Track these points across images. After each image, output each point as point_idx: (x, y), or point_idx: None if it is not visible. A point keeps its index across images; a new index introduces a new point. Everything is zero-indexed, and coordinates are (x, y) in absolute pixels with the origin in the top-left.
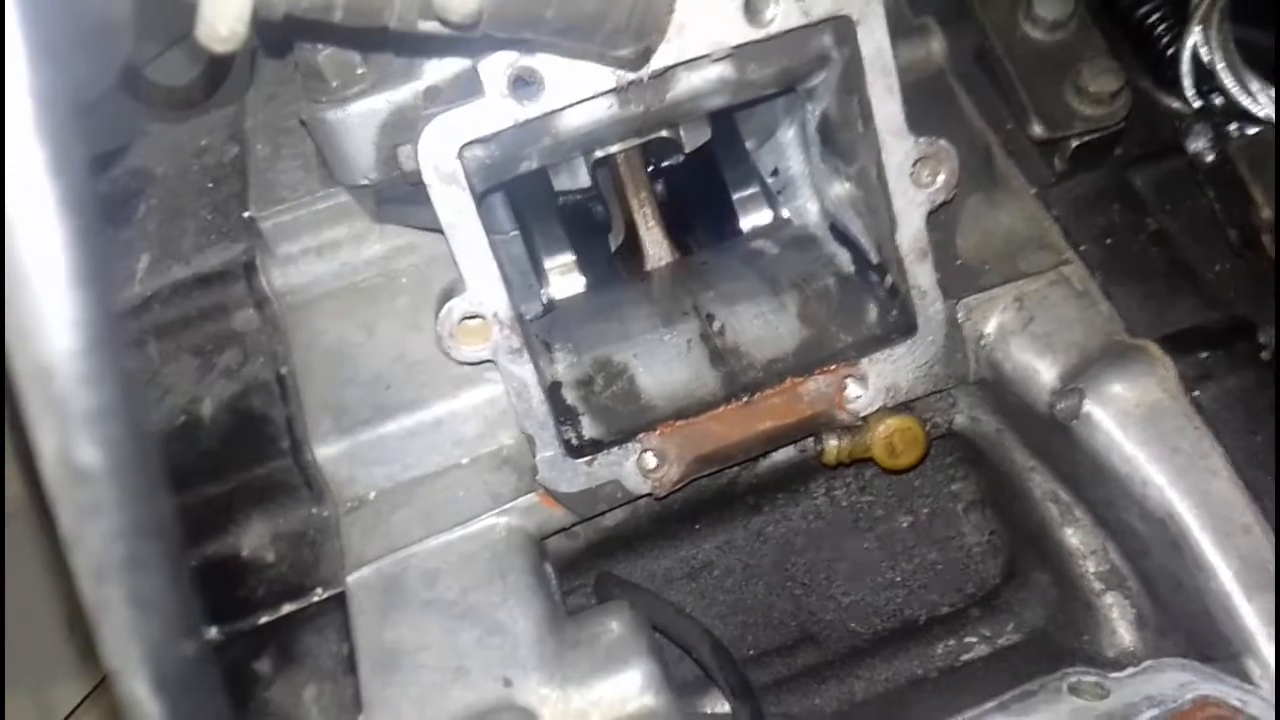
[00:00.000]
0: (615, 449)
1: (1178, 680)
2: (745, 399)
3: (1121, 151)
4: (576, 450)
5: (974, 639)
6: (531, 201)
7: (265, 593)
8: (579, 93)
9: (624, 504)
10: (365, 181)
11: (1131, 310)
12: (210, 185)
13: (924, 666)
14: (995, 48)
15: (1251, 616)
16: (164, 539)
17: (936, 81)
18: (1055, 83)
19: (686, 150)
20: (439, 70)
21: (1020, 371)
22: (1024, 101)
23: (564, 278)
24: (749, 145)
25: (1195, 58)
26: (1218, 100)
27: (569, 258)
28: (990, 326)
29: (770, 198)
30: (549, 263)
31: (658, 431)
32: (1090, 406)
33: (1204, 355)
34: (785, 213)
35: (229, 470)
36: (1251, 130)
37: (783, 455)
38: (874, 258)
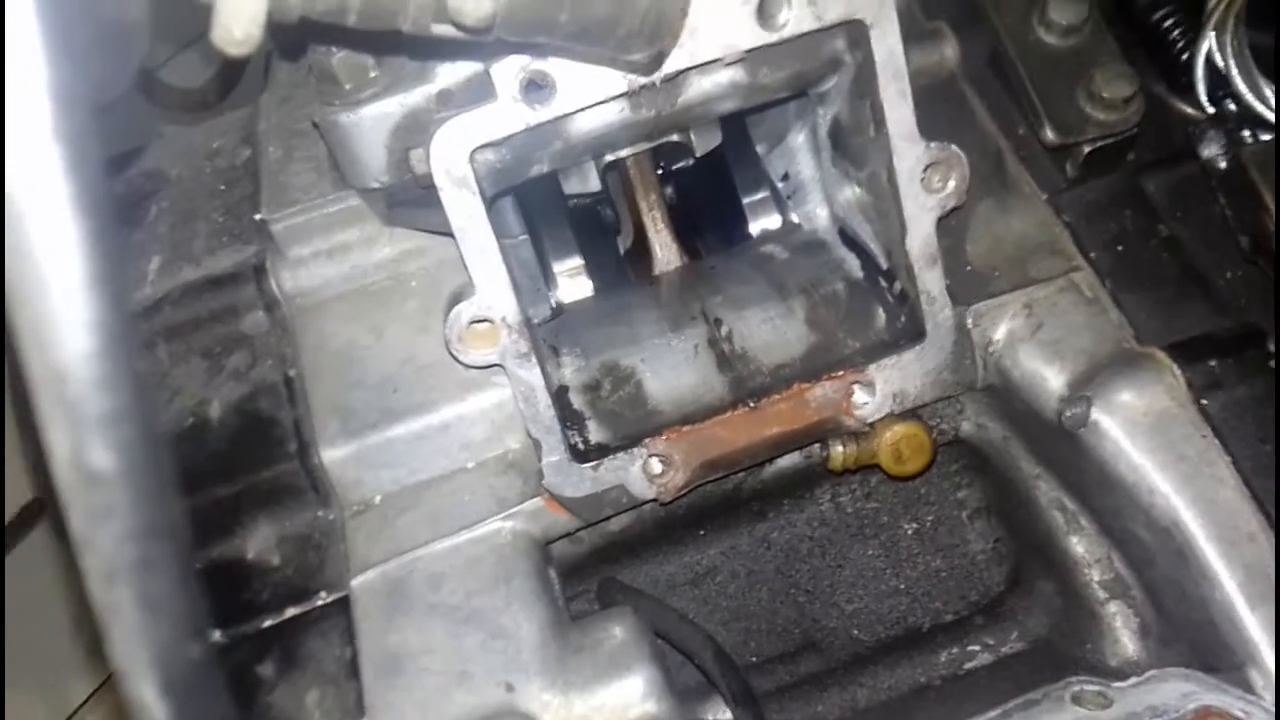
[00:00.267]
0: (621, 454)
1: (1181, 690)
2: (752, 404)
3: (1134, 157)
4: (582, 455)
5: (977, 647)
6: (540, 205)
7: (269, 596)
8: (590, 97)
9: (629, 509)
10: (377, 185)
11: (1141, 317)
12: (222, 188)
13: (927, 674)
14: (1008, 52)
15: (1255, 627)
16: (174, 541)
17: (949, 86)
18: (1068, 88)
19: (697, 154)
20: (451, 74)
21: (1028, 378)
22: (1037, 106)
23: (572, 281)
24: (759, 149)
25: (1209, 63)
26: (1231, 106)
27: (577, 261)
28: (999, 333)
29: (780, 202)
30: (557, 266)
31: (664, 437)
32: (1098, 414)
33: (1213, 363)
34: (795, 217)
35: (236, 472)
36: (1265, 137)
37: (788, 461)
38: (883, 263)
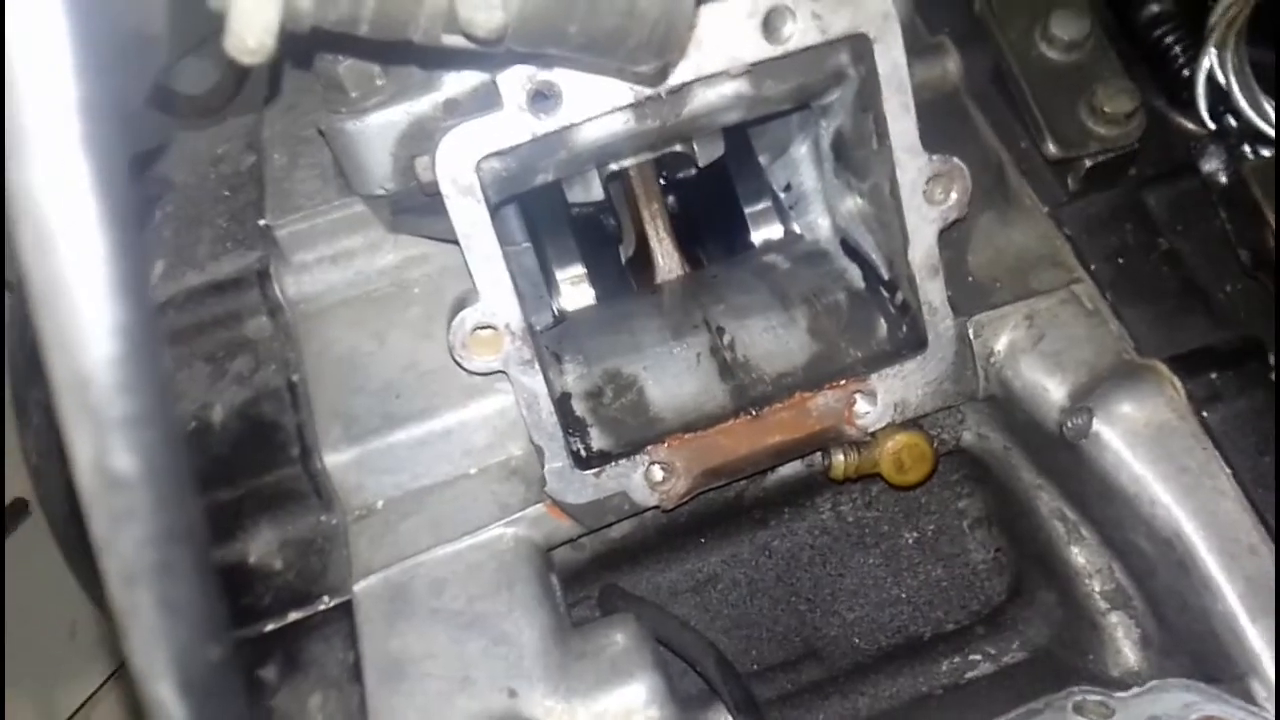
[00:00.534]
0: (623, 461)
1: (1182, 700)
2: (754, 413)
3: (1135, 172)
4: (585, 462)
5: (978, 656)
6: (543, 213)
7: (272, 600)
8: (596, 107)
9: (631, 516)
10: (382, 192)
11: (1142, 330)
12: (227, 193)
13: (928, 684)
14: (1011, 67)
15: (1257, 638)
16: (194, 544)
17: (951, 100)
18: (1070, 102)
19: (700, 165)
20: (458, 83)
21: (1029, 389)
22: (1039, 121)
23: (575, 289)
24: (762, 160)
25: (1210, 79)
26: (1232, 122)
27: (580, 270)
28: (1000, 344)
29: (782, 212)
30: (560, 274)
31: (666, 444)
32: (1099, 425)
33: (1213, 376)
34: (797, 228)
35: (238, 477)
36: (1266, 152)
37: (790, 470)
38: (885, 274)
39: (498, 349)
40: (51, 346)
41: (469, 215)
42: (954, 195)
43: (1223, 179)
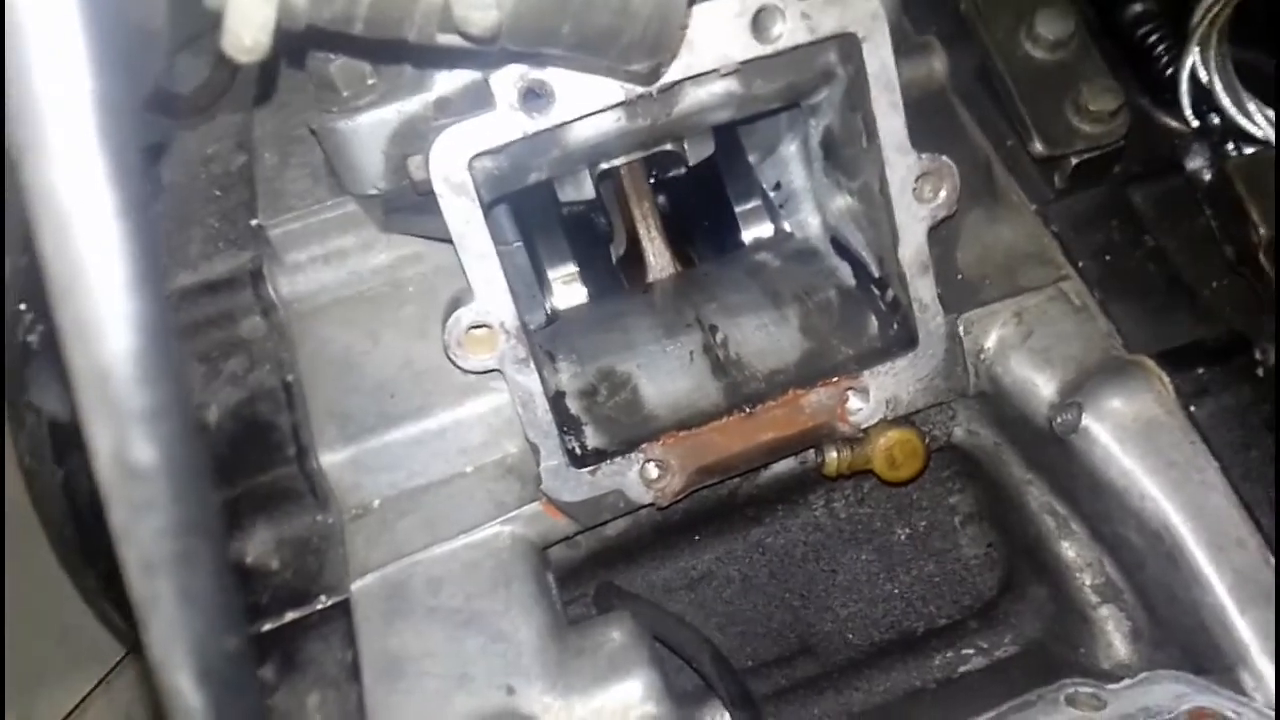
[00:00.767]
0: (618, 459)
1: (1173, 692)
2: (747, 410)
3: (1120, 169)
4: (580, 460)
5: (971, 651)
6: (535, 212)
7: (269, 600)
8: (588, 106)
9: (627, 514)
10: (374, 191)
11: (1129, 326)
12: (218, 193)
13: (921, 678)
14: (997, 66)
15: (1246, 630)
16: (211, 535)
17: (938, 99)
18: (1056, 101)
19: (690, 163)
20: (449, 82)
21: (1019, 385)
22: (1025, 119)
23: (567, 288)
24: (751, 159)
25: (1194, 78)
26: (1215, 120)
27: (572, 269)
28: (990, 340)
29: (772, 211)
30: (552, 273)
31: (660, 442)
32: (1088, 420)
33: (1200, 371)
34: (787, 226)
35: (234, 476)
36: (1249, 150)
37: (782, 467)
38: (875, 271)
39: (493, 347)
40: (71, 339)
41: (462, 214)
42: (943, 193)
43: (1207, 176)
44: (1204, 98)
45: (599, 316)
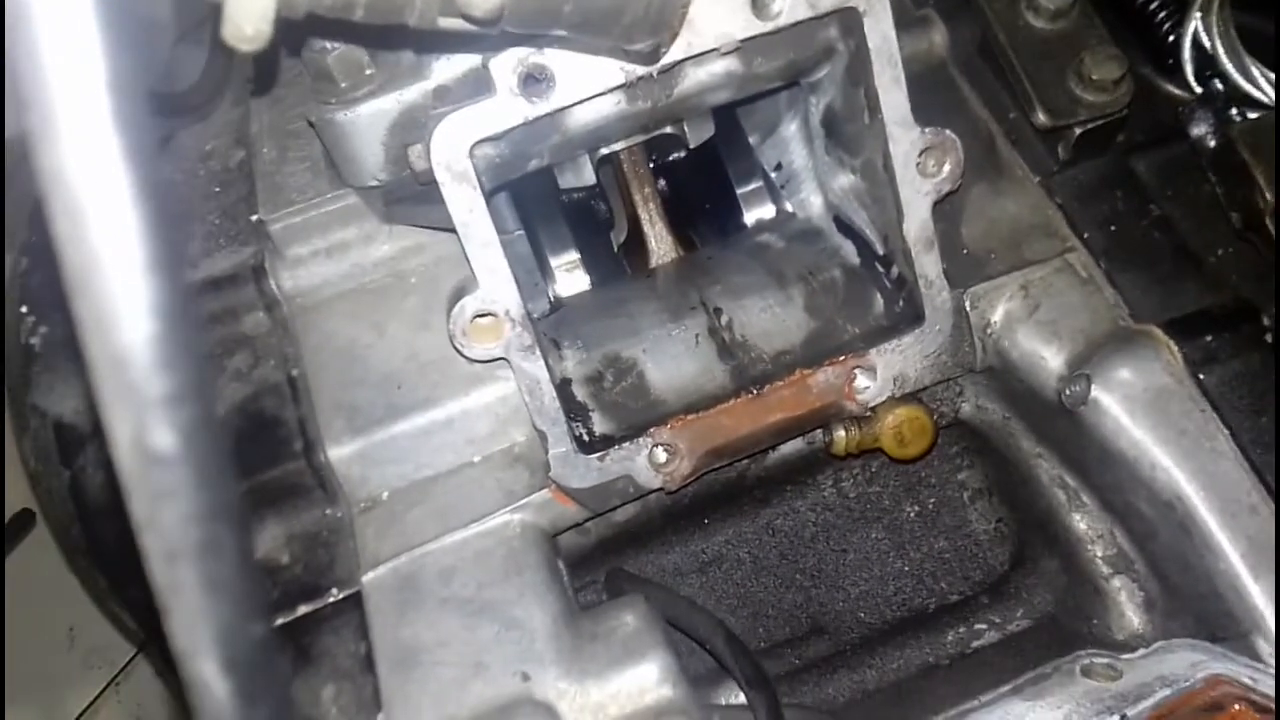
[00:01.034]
0: (627, 444)
1: (1189, 660)
2: (755, 392)
3: (1124, 138)
4: (588, 446)
5: (984, 626)
6: (535, 200)
7: (281, 594)
8: (588, 89)
9: (636, 498)
10: (375, 182)
11: (1136, 296)
12: (217, 190)
13: (935, 654)
14: (998, 38)
15: (1259, 596)
16: (233, 522)
17: (938, 73)
18: (1058, 71)
19: (690, 146)
20: (448, 69)
21: (1027, 359)
22: (1028, 90)
23: (569, 275)
24: (752, 140)
25: (1196, 44)
26: (1219, 86)
27: (574, 256)
28: (997, 315)
29: (774, 192)
30: (554, 261)
31: (668, 426)
32: (1097, 392)
33: (1208, 339)
34: (789, 206)
35: (242, 473)
36: (1253, 115)
37: (791, 448)
38: (879, 249)
39: (498, 335)
40: (88, 327)
41: (465, 202)
42: (947, 167)
43: (1211, 143)
44: (1206, 63)
45: (602, 302)
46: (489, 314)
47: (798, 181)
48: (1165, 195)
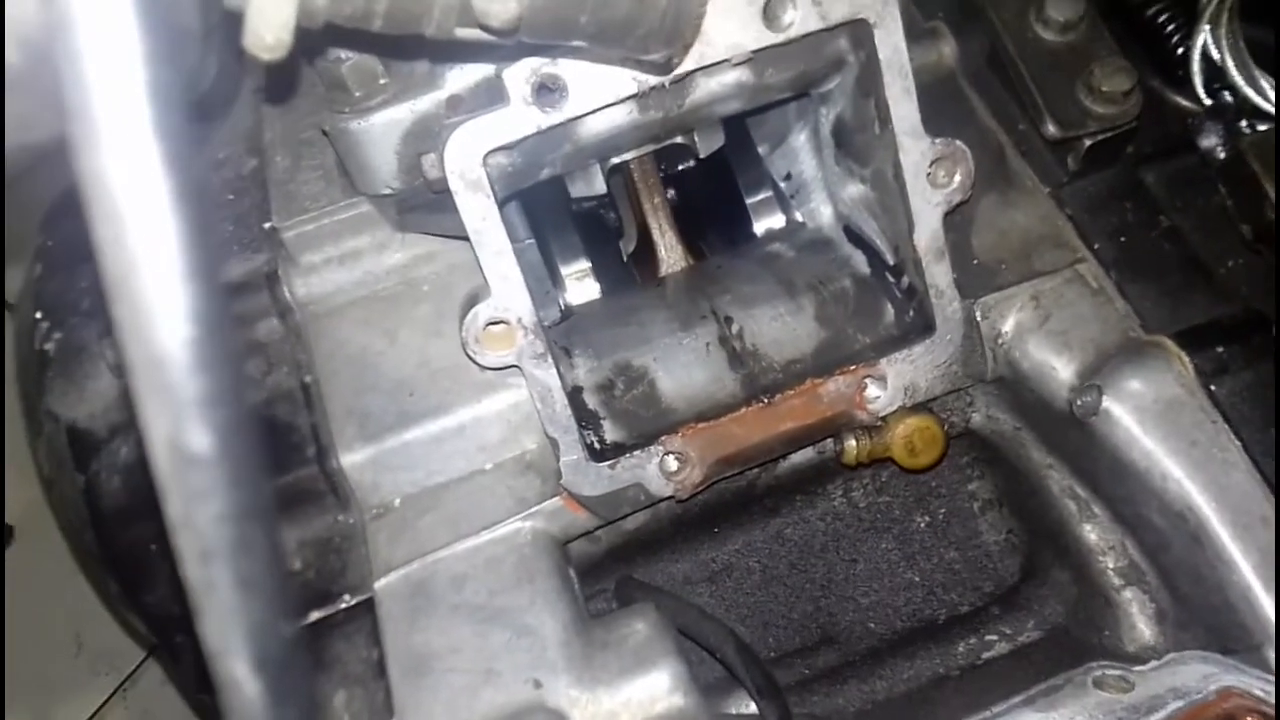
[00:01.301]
0: (638, 452)
1: (1201, 672)
2: (765, 401)
3: (1133, 150)
4: (599, 454)
5: (995, 637)
6: (546, 209)
7: (292, 600)
8: (601, 99)
9: (647, 507)
10: (388, 190)
11: (1147, 306)
12: (230, 197)
13: (945, 665)
14: (1007, 49)
15: (1272, 608)
16: (266, 522)
17: (948, 84)
18: (1067, 83)
19: (701, 156)
20: (461, 79)
21: (1038, 369)
22: (1037, 102)
23: (580, 284)
24: (761, 150)
25: (1205, 56)
26: (1228, 98)
27: (585, 264)
28: (1007, 325)
29: (783, 202)
30: (565, 269)
31: (679, 434)
32: (1109, 402)
33: (1219, 350)
34: (799, 216)
35: None
36: (1262, 127)
37: (801, 457)
38: (890, 259)
39: (511, 343)
40: (127, 329)
41: (478, 210)
42: (957, 178)
43: (1221, 154)
44: (1216, 75)
45: (613, 311)
46: (501, 321)
47: (807, 191)
48: (1175, 206)
